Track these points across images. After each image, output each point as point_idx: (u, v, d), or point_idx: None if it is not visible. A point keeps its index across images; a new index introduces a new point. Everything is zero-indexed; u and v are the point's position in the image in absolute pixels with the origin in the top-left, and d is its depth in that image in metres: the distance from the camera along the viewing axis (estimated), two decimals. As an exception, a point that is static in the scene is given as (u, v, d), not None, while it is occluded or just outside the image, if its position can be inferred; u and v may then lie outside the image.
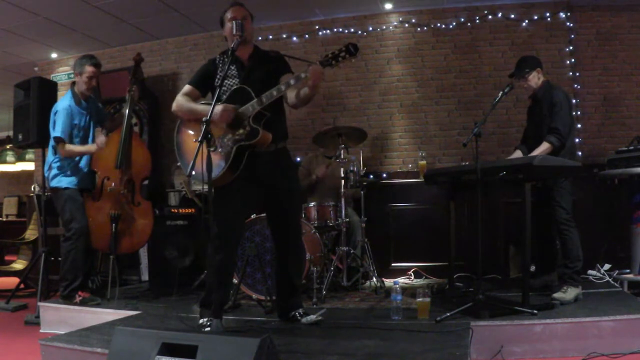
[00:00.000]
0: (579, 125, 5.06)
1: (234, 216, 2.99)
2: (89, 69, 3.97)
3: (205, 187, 2.62)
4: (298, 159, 5.44)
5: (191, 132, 3.06)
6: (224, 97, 2.95)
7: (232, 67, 3.02)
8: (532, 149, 3.70)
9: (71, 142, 3.91)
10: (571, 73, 5.12)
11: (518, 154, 3.85)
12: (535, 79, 3.69)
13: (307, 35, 5.69)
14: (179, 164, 3.11)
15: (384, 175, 5.39)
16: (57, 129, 3.85)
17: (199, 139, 2.52)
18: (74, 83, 4.04)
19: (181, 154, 3.09)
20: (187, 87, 3.11)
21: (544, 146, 3.48)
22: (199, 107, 3.00)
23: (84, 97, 4.02)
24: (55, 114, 3.90)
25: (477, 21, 5.31)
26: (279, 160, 3.09)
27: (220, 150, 2.88)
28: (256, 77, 3.00)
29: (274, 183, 3.08)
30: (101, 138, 3.98)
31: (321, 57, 2.82)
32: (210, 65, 3.12)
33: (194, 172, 2.54)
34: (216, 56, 3.15)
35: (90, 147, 3.99)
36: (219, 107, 2.81)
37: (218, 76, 3.04)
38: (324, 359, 2.39)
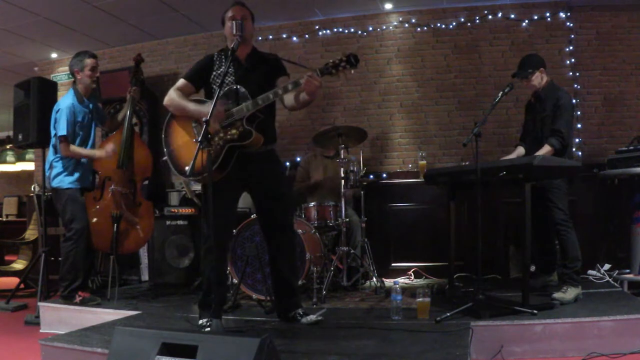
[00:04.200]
0: (579, 125, 5.06)
1: (223, 215, 2.98)
2: (89, 61, 3.98)
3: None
4: (298, 159, 5.44)
5: (180, 128, 3.05)
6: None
7: (230, 65, 3.02)
8: (530, 147, 3.70)
9: (73, 140, 3.91)
10: (571, 73, 5.12)
11: (520, 150, 3.84)
12: (538, 79, 3.68)
13: (307, 35, 5.69)
14: (165, 158, 3.09)
15: (384, 175, 5.39)
16: (61, 128, 3.82)
17: (199, 139, 2.52)
18: (74, 82, 4.04)
19: (170, 149, 3.08)
20: (181, 81, 3.11)
21: (546, 149, 3.48)
22: (190, 105, 3.00)
23: (86, 95, 4.02)
24: (57, 112, 3.88)
25: (477, 21, 5.31)
26: (268, 162, 3.10)
27: (209, 148, 2.87)
28: (252, 78, 3.00)
29: (263, 184, 3.10)
30: (110, 146, 3.97)
31: (321, 66, 2.81)
32: (208, 61, 3.11)
33: (183, 169, 2.53)
34: (214, 53, 3.14)
35: (95, 151, 3.99)
36: (207, 109, 2.78)
37: (214, 74, 3.05)
38: (324, 359, 2.39)
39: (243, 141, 2.88)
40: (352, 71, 2.79)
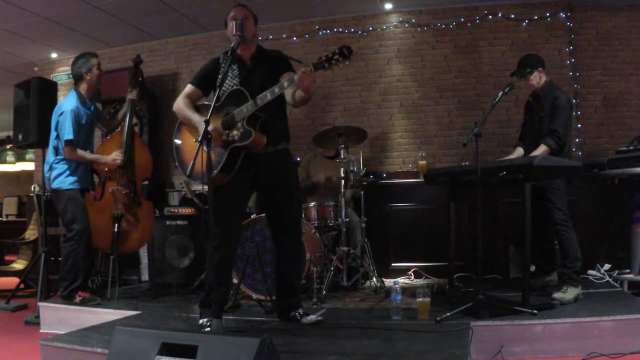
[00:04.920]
0: (579, 125, 5.06)
1: (231, 216, 2.99)
2: (94, 60, 4.01)
3: (205, 187, 2.62)
4: (298, 159, 5.44)
5: (190, 134, 3.07)
6: (223, 97, 2.95)
7: (234, 67, 3.02)
8: (529, 147, 3.71)
9: (77, 143, 3.90)
10: (571, 73, 5.12)
11: (519, 151, 3.84)
12: (536, 78, 3.68)
13: (307, 35, 5.69)
14: (177, 164, 3.12)
15: (384, 175, 5.39)
16: (67, 132, 3.81)
17: (199, 139, 2.52)
18: (76, 84, 4.03)
19: (180, 154, 3.10)
20: (188, 88, 3.12)
21: (542, 149, 3.48)
22: (195, 116, 3.00)
23: (88, 96, 4.03)
24: (60, 115, 3.87)
25: (477, 21, 5.31)
26: (279, 162, 3.09)
27: (215, 151, 2.88)
28: (256, 77, 3.00)
29: (273, 184, 3.09)
30: (118, 154, 3.98)
31: (315, 60, 2.80)
32: (213, 65, 3.11)
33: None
34: (220, 55, 3.15)
35: (102, 157, 3.99)
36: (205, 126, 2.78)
37: (220, 77, 3.05)
38: (324, 359, 2.39)
39: (243, 142, 2.87)
40: (347, 62, 2.75)
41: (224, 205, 2.87)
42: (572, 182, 3.71)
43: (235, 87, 2.97)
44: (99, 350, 2.62)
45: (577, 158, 4.84)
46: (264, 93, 2.85)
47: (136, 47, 6.11)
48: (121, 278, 4.69)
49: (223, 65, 3.06)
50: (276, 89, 2.85)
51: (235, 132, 2.89)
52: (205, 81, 3.10)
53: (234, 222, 3.07)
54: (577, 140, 5.00)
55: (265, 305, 3.60)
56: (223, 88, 2.94)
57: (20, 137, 4.55)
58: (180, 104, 3.08)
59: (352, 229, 4.52)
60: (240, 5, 3.09)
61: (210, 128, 2.61)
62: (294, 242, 3.21)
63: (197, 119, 2.95)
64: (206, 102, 3.10)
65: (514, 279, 4.61)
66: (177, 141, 3.13)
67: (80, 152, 3.90)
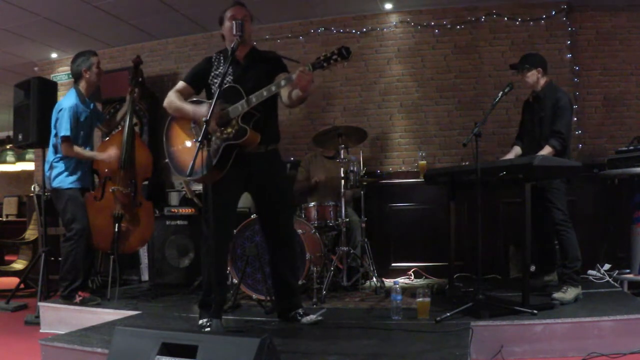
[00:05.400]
0: (579, 125, 5.06)
1: (226, 215, 2.98)
2: (94, 59, 4.01)
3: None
4: (292, 159, 5.43)
5: (180, 130, 3.06)
6: (216, 94, 2.94)
7: (229, 66, 3.02)
8: (528, 147, 3.71)
9: (75, 141, 3.91)
10: (571, 73, 5.12)
11: (517, 150, 3.85)
12: (533, 77, 3.69)
13: (307, 36, 5.69)
14: (166, 160, 3.11)
15: (384, 175, 5.39)
16: (64, 128, 3.81)
17: (199, 139, 2.52)
18: (75, 82, 4.03)
19: (170, 150, 3.09)
20: (180, 84, 3.13)
21: (547, 150, 3.48)
22: (186, 106, 3.01)
23: (88, 95, 4.03)
24: (59, 111, 3.87)
25: (477, 21, 5.31)
26: (270, 162, 3.09)
27: (209, 148, 2.87)
28: (250, 76, 3.00)
29: (264, 184, 3.10)
30: (114, 150, 3.99)
31: (313, 60, 2.80)
32: (206, 64, 3.12)
33: (183, 170, 2.54)
34: (212, 55, 3.15)
35: (98, 154, 4.00)
36: (203, 110, 2.79)
37: (212, 74, 3.06)
38: (324, 359, 2.39)
39: (238, 139, 2.87)
40: (345, 63, 2.77)
41: (219, 204, 2.87)
42: (572, 182, 3.71)
43: (228, 84, 2.96)
44: (99, 350, 2.62)
45: (577, 158, 4.84)
46: (260, 91, 2.84)
47: (136, 47, 6.11)
48: (121, 278, 4.69)
49: (216, 64, 3.07)
50: (273, 87, 2.85)
51: (229, 130, 2.88)
52: (197, 79, 3.11)
53: (226, 220, 3.06)
54: (577, 140, 5.00)
55: (265, 305, 3.60)
56: (216, 85, 2.94)
57: (20, 137, 4.55)
58: (171, 98, 3.07)
59: (352, 229, 4.51)
60: (238, 5, 3.09)
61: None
62: (288, 241, 3.21)
63: (191, 109, 2.96)
64: (195, 98, 3.10)
65: (514, 279, 4.61)
66: (169, 146, 3.10)
67: (77, 148, 3.89)
